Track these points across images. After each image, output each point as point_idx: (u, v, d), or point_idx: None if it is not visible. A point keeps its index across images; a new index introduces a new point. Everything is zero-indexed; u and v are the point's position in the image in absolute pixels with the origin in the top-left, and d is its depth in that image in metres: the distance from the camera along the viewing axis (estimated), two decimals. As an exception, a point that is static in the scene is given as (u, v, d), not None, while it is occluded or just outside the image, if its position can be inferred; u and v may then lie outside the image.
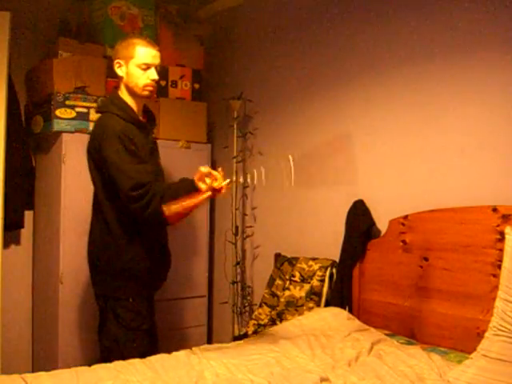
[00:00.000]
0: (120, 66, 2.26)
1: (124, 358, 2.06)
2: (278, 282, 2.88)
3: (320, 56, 2.97)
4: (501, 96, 2.15)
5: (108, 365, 1.95)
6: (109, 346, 2.27)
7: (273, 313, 2.79)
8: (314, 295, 2.66)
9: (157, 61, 2.27)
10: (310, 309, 2.61)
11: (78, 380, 1.78)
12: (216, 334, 3.61)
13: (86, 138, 2.88)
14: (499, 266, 1.94)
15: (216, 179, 2.13)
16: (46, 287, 3.09)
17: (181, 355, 2.06)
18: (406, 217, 2.41)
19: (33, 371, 2.86)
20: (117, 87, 2.31)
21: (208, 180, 2.14)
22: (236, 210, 3.36)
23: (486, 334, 1.82)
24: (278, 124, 3.23)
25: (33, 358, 3.24)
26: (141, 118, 2.32)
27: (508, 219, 2.01)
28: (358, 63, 2.75)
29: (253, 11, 3.43)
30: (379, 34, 2.64)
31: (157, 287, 2.43)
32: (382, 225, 2.57)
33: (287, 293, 2.78)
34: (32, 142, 3.18)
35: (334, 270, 2.68)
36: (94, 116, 2.94)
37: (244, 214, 3.42)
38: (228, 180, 2.14)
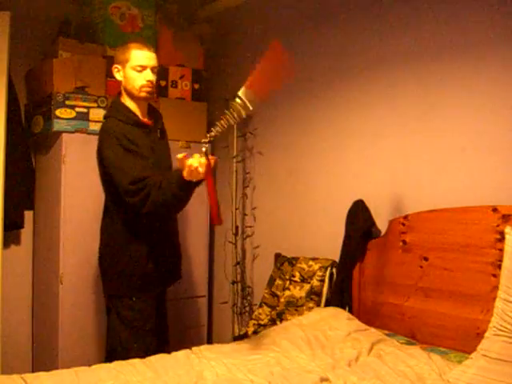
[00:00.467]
0: (118, 71, 2.32)
1: (128, 357, 2.07)
2: (278, 282, 2.88)
3: (320, 55, 2.97)
4: (501, 96, 2.15)
5: (108, 365, 1.95)
6: (113, 345, 2.30)
7: (273, 313, 2.79)
8: (313, 295, 2.66)
9: (152, 62, 2.31)
10: (310, 309, 2.61)
11: (78, 380, 1.78)
12: (216, 334, 3.61)
13: (86, 137, 2.92)
14: (499, 266, 1.94)
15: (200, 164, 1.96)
16: (46, 287, 3.09)
17: (181, 355, 2.07)
18: (406, 217, 2.41)
19: (33, 371, 2.87)
20: (120, 93, 2.37)
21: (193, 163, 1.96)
22: (236, 209, 3.36)
23: (486, 334, 1.82)
24: (278, 124, 3.23)
25: (33, 358, 3.24)
26: (145, 119, 2.37)
27: (508, 219, 2.01)
28: (358, 63, 2.75)
29: (253, 11, 3.43)
30: (380, 34, 2.64)
31: (165, 285, 2.47)
32: (382, 225, 2.57)
33: (287, 293, 2.78)
34: (32, 142, 3.18)
35: (334, 270, 2.68)
36: (94, 116, 2.95)
37: (244, 214, 3.42)
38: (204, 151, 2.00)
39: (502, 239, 1.98)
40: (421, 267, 2.33)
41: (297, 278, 2.78)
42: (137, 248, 2.28)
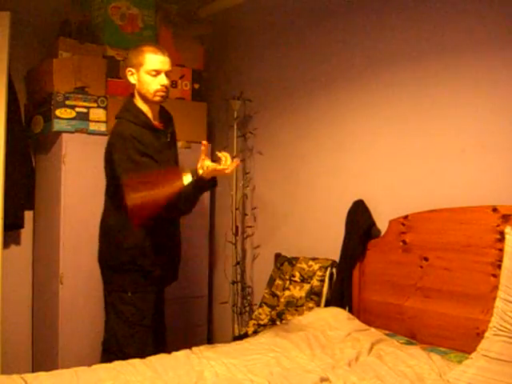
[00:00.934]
0: (132, 74, 2.33)
1: (122, 352, 2.09)
2: (278, 282, 2.88)
3: (320, 56, 2.97)
4: (501, 96, 2.15)
5: (108, 365, 1.96)
6: (109, 339, 2.32)
7: (273, 313, 2.79)
8: (314, 295, 2.66)
9: (166, 66, 2.33)
10: (310, 309, 2.61)
11: (77, 380, 1.78)
12: (216, 334, 3.61)
13: (86, 137, 2.92)
14: (499, 266, 1.94)
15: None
16: (45, 287, 3.09)
17: (181, 355, 2.07)
18: (406, 217, 2.41)
19: (33, 371, 2.87)
20: (132, 94, 2.39)
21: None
22: (236, 209, 3.36)
23: (486, 334, 1.82)
24: (277, 124, 3.24)
25: (33, 358, 3.24)
26: (156, 121, 2.39)
27: (508, 219, 2.01)
28: (358, 63, 2.75)
29: (253, 11, 3.43)
30: (380, 35, 2.64)
31: (163, 284, 2.47)
32: (381, 225, 2.57)
33: (287, 293, 2.78)
34: (32, 142, 3.18)
35: (334, 270, 2.68)
36: (94, 116, 2.95)
37: (244, 214, 3.42)
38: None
39: (502, 239, 1.98)
40: (421, 267, 2.33)
41: (297, 278, 2.78)
42: (135, 241, 2.29)
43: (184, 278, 3.26)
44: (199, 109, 3.41)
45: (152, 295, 2.37)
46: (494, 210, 2.06)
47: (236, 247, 3.35)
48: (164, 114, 2.49)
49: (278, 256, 3.04)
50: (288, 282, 2.81)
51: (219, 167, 2.15)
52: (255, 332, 2.72)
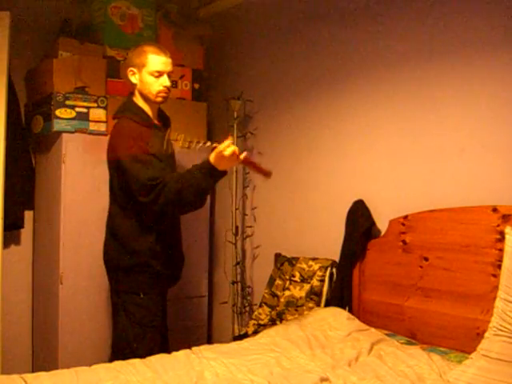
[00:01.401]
0: (133, 74, 2.34)
1: (133, 353, 2.09)
2: (278, 282, 2.88)
3: (320, 56, 2.97)
4: (501, 96, 2.15)
5: (108, 365, 1.95)
6: (119, 341, 2.31)
7: (273, 313, 2.79)
8: (313, 295, 2.66)
9: (168, 67, 2.34)
10: (310, 309, 2.61)
11: (77, 380, 1.78)
12: (216, 334, 3.61)
13: (86, 137, 2.92)
14: (499, 266, 1.94)
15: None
16: (46, 287, 3.09)
17: (181, 355, 2.07)
18: (406, 217, 2.41)
19: (33, 371, 2.87)
20: (132, 93, 2.39)
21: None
22: (236, 209, 3.36)
23: (486, 334, 1.82)
24: (278, 124, 3.23)
25: (33, 358, 3.24)
26: (156, 121, 2.40)
27: (508, 219, 2.01)
28: (358, 63, 2.75)
29: (253, 11, 3.43)
30: (379, 34, 2.64)
31: (169, 285, 2.48)
32: (382, 225, 2.57)
33: (287, 293, 2.78)
34: (32, 142, 3.18)
35: (334, 270, 2.68)
36: (94, 116, 2.95)
37: (244, 214, 3.42)
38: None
39: (502, 239, 1.98)
40: (421, 267, 2.33)
41: (297, 278, 2.78)
42: (147, 244, 2.29)
43: (184, 277, 3.26)
44: (199, 109, 3.41)
45: (160, 296, 2.38)
46: (494, 210, 2.06)
47: (236, 247, 3.35)
48: (162, 115, 2.50)
49: (277, 256, 3.04)
50: (288, 282, 2.81)
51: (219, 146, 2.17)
52: (255, 332, 2.72)
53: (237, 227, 3.36)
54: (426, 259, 2.31)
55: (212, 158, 2.18)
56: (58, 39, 2.97)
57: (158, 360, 1.99)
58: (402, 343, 2.18)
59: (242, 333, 3.00)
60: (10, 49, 2.72)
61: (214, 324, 3.64)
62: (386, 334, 2.29)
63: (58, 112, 2.86)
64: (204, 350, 2.14)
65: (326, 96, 2.93)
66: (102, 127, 2.98)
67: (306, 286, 2.71)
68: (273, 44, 3.30)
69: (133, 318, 2.28)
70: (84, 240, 2.89)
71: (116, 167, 2.28)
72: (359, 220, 2.58)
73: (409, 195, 2.48)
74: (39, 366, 3.08)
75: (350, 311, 2.54)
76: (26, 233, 3.24)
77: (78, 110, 2.91)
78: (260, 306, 2.91)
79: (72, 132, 2.90)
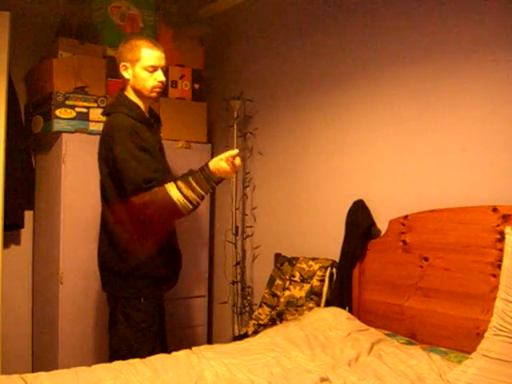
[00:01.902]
0: (126, 69, 2.27)
1: (133, 357, 2.06)
2: (278, 282, 2.88)
3: (320, 56, 2.97)
4: (501, 96, 2.15)
5: (108, 365, 1.95)
6: (118, 346, 2.27)
7: (273, 313, 2.79)
8: (314, 295, 2.66)
9: (162, 62, 2.29)
10: (310, 309, 2.61)
11: (77, 380, 1.78)
12: (216, 333, 3.61)
13: (86, 137, 2.92)
14: (499, 266, 1.94)
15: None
16: (45, 287, 3.09)
17: (181, 355, 2.07)
18: (406, 217, 2.41)
19: (33, 371, 2.87)
20: (123, 88, 2.34)
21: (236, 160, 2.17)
22: (236, 209, 3.36)
23: (486, 334, 1.82)
24: (278, 124, 3.24)
25: (33, 358, 3.24)
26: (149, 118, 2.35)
27: (508, 219, 2.00)
28: (358, 63, 2.75)
29: (253, 11, 3.43)
30: (380, 35, 2.64)
31: (168, 288, 2.43)
32: (381, 225, 2.57)
33: (287, 293, 2.77)
34: (32, 142, 3.18)
35: (334, 270, 2.68)
36: (94, 116, 2.94)
37: (244, 214, 3.42)
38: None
39: (502, 239, 1.98)
40: (421, 267, 2.33)
41: (297, 278, 2.77)
42: (146, 249, 2.23)
43: (184, 277, 3.26)
44: (199, 109, 3.41)
45: (159, 300, 2.36)
46: (494, 210, 2.06)
47: (236, 247, 3.35)
48: (152, 113, 2.44)
49: (277, 256, 3.04)
50: (288, 282, 2.81)
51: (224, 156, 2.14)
52: (255, 332, 2.72)
53: (237, 227, 3.36)
54: (426, 259, 2.31)
55: (212, 164, 2.16)
56: (58, 39, 2.97)
57: (157, 360, 1.99)
58: (402, 343, 2.18)
59: (242, 333, 3.00)
60: (9, 49, 2.72)
61: (214, 324, 3.64)
62: (386, 334, 2.29)
63: (58, 112, 2.86)
64: (204, 349, 2.14)
65: (325, 96, 2.93)
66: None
67: (306, 286, 2.71)
68: (273, 44, 3.30)
69: (133, 322, 2.24)
70: (84, 240, 2.89)
71: (110, 165, 2.21)
72: (359, 220, 2.58)
73: (409, 195, 2.48)
74: (39, 366, 3.08)
75: (350, 311, 2.54)
76: (26, 233, 3.24)
77: (78, 110, 2.91)
78: (260, 306, 2.91)
79: (72, 132, 2.90)
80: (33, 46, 3.21)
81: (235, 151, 2.17)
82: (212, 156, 3.52)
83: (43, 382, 1.75)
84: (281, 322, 2.68)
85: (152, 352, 2.15)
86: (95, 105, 2.95)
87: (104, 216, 2.32)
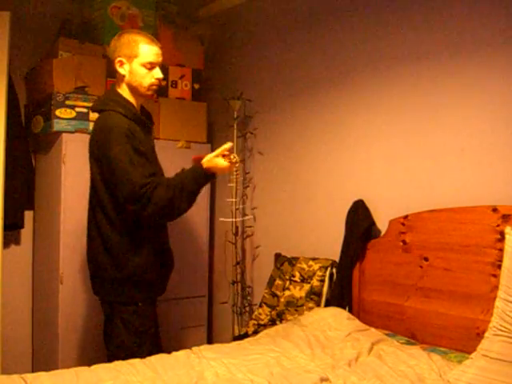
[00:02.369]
0: (122, 65, 2.19)
1: None
2: (278, 281, 2.88)
3: (320, 56, 2.97)
4: (501, 96, 2.15)
5: (108, 365, 1.95)
6: (116, 350, 2.23)
7: (273, 313, 2.79)
8: (314, 295, 2.66)
9: (160, 58, 2.23)
10: (310, 309, 2.61)
11: (77, 380, 1.78)
12: (216, 334, 3.61)
13: (86, 137, 2.88)
14: (499, 266, 1.94)
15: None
16: (46, 287, 3.09)
17: (181, 355, 2.07)
18: (406, 217, 2.41)
19: (33, 371, 2.87)
20: (115, 84, 2.26)
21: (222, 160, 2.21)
22: (236, 209, 3.36)
23: (486, 334, 1.82)
24: (278, 124, 3.24)
25: (33, 358, 3.24)
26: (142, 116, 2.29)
27: (508, 219, 2.01)
28: (358, 63, 2.75)
29: (253, 11, 3.43)
30: (380, 35, 2.64)
31: (163, 290, 2.41)
32: (382, 225, 2.57)
33: (287, 293, 2.78)
34: (32, 142, 3.18)
35: (334, 270, 2.68)
36: (94, 116, 2.93)
37: (244, 214, 3.42)
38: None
39: (502, 239, 1.98)
40: (421, 267, 2.33)
41: (297, 278, 2.78)
42: (142, 253, 2.20)
43: (184, 277, 3.27)
44: (199, 109, 3.41)
45: (154, 304, 2.35)
46: (494, 210, 2.06)
47: (236, 247, 3.35)
48: (143, 111, 2.37)
49: (277, 256, 3.04)
50: (288, 282, 2.81)
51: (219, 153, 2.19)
52: (255, 332, 2.72)
53: (237, 227, 3.37)
54: (426, 259, 2.31)
55: (207, 163, 2.16)
56: (58, 39, 2.97)
57: (157, 360, 1.99)
58: (401, 343, 2.18)
59: (242, 333, 3.00)
60: (10, 49, 2.72)
61: (214, 324, 3.64)
62: (386, 334, 2.29)
63: (58, 112, 2.85)
64: (204, 349, 2.14)
65: (326, 96, 2.93)
66: (102, 127, 2.97)
67: (306, 286, 2.71)
68: (273, 44, 3.30)
69: (131, 327, 2.20)
70: (84, 240, 2.88)
71: (103, 166, 2.13)
72: (359, 220, 2.58)
73: (409, 195, 2.48)
74: (39, 366, 3.08)
75: (350, 311, 2.54)
76: (26, 233, 3.24)
77: (78, 110, 2.91)
78: (260, 306, 2.91)
79: (72, 132, 2.90)
80: (33, 46, 3.21)
81: (228, 145, 2.16)
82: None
83: (43, 382, 1.75)
84: (281, 322, 2.68)
85: (149, 355, 2.14)
86: (95, 105, 2.95)
87: (98, 220, 2.22)
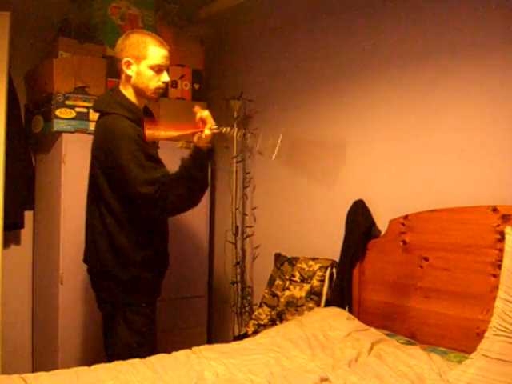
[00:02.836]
0: (129, 66, 2.14)
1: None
2: (278, 282, 2.88)
3: (320, 56, 2.97)
4: (501, 96, 2.15)
5: (108, 365, 1.95)
6: (118, 351, 2.22)
7: (273, 313, 2.79)
8: (314, 295, 2.66)
9: (168, 62, 2.20)
10: (310, 309, 2.61)
11: (77, 380, 1.78)
12: (216, 334, 3.61)
13: (86, 137, 2.91)
14: (499, 266, 1.94)
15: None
16: (46, 287, 3.09)
17: (181, 355, 2.07)
18: (406, 217, 2.41)
19: (33, 371, 2.87)
20: (119, 84, 2.22)
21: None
22: (236, 209, 3.36)
23: (486, 334, 1.82)
24: (277, 124, 3.23)
25: (33, 358, 3.24)
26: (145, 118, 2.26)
27: (508, 219, 2.01)
28: (358, 63, 2.75)
29: (253, 11, 3.43)
30: (379, 36, 2.64)
31: (160, 290, 2.39)
32: (382, 225, 2.57)
33: (287, 293, 2.78)
34: (32, 142, 3.18)
35: (334, 270, 2.68)
36: (94, 116, 2.92)
37: (244, 214, 3.42)
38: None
39: (502, 239, 1.98)
40: (421, 267, 2.33)
41: (297, 278, 2.78)
42: (145, 253, 2.19)
43: (184, 277, 3.27)
44: (199, 109, 3.40)
45: (155, 305, 2.35)
46: (494, 210, 2.06)
47: (236, 247, 3.35)
48: (146, 110, 2.34)
49: (277, 256, 3.04)
50: (288, 282, 2.81)
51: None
52: (255, 332, 2.72)
53: (237, 227, 3.37)
54: (426, 259, 2.31)
55: (196, 142, 2.11)
56: (58, 39, 2.97)
57: (157, 360, 1.99)
58: (401, 343, 2.18)
59: (242, 333, 3.00)
60: (9, 49, 2.72)
61: (214, 324, 3.63)
62: (386, 334, 2.29)
63: (58, 112, 2.85)
64: (204, 349, 2.14)
65: (325, 96, 2.93)
66: (102, 127, 2.97)
67: (306, 286, 2.71)
68: (273, 44, 3.30)
69: (134, 327, 2.19)
70: (84, 240, 2.89)
71: (110, 170, 2.11)
72: (359, 220, 2.58)
73: (409, 195, 2.48)
74: (39, 366, 3.08)
75: (350, 311, 2.54)
76: (26, 233, 3.24)
77: (78, 110, 2.91)
78: (260, 305, 2.91)
79: (72, 132, 2.90)
80: (33, 46, 3.21)
81: (195, 108, 2.13)
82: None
83: (43, 382, 1.75)
84: (281, 322, 2.68)
85: (150, 355, 2.14)
86: (95, 105, 2.95)
87: (104, 221, 2.18)
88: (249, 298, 3.36)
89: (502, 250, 1.95)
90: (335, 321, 2.36)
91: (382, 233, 2.56)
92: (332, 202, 2.86)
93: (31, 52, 3.20)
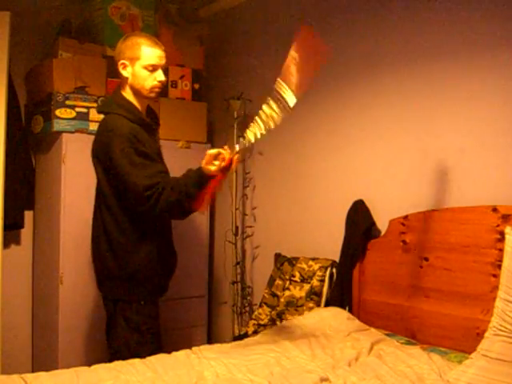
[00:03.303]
0: (125, 67, 2.20)
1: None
2: (278, 282, 2.88)
3: (320, 56, 2.97)
4: (501, 96, 2.15)
5: (108, 365, 1.95)
6: (118, 349, 2.24)
7: (273, 313, 2.79)
8: (314, 295, 2.66)
9: (163, 61, 2.24)
10: (310, 309, 2.61)
11: (77, 380, 1.78)
12: (216, 334, 3.61)
13: (86, 137, 2.91)
14: (499, 266, 1.94)
15: (224, 159, 2.02)
16: (46, 287, 3.09)
17: (181, 355, 2.07)
18: (406, 217, 2.41)
19: (33, 371, 2.87)
20: (120, 87, 2.27)
21: (217, 162, 2.01)
22: (236, 209, 3.36)
23: (486, 334, 1.82)
24: (277, 124, 3.23)
25: (33, 358, 3.24)
26: (147, 118, 2.29)
27: (508, 219, 2.01)
28: (358, 63, 2.75)
29: (253, 11, 3.43)
30: (379, 36, 2.64)
31: (165, 289, 2.40)
32: (382, 225, 2.57)
33: (287, 293, 2.78)
34: (32, 142, 3.18)
35: (334, 270, 2.68)
36: (94, 116, 2.94)
37: (244, 214, 3.42)
38: (235, 151, 2.05)
39: (502, 239, 1.98)
40: (421, 267, 2.33)
41: (297, 278, 2.78)
42: (146, 250, 2.21)
43: (184, 277, 3.27)
44: (199, 109, 3.41)
45: (157, 304, 2.35)
46: (494, 210, 2.06)
47: (236, 247, 3.35)
48: (150, 111, 2.38)
49: (277, 256, 3.04)
50: (288, 282, 2.81)
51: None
52: (255, 332, 2.72)
53: (237, 227, 3.36)
54: (426, 259, 2.31)
55: (204, 169, 2.04)
56: (58, 39, 2.97)
57: (157, 360, 1.99)
58: (401, 343, 2.18)
59: (242, 333, 3.00)
60: (9, 49, 2.72)
61: (214, 324, 3.63)
62: (386, 334, 2.29)
63: (58, 112, 2.86)
64: (204, 349, 2.14)
65: (325, 96, 2.93)
66: (102, 127, 2.97)
67: (306, 286, 2.71)
68: (273, 44, 3.29)
69: (133, 325, 2.21)
70: (84, 240, 2.87)
71: (106, 168, 2.15)
72: (359, 220, 2.58)
73: (409, 195, 2.48)
74: (39, 366, 3.08)
75: (350, 311, 2.54)
76: (26, 233, 3.24)
77: (78, 110, 2.91)
78: (260, 305, 2.91)
79: (72, 132, 2.90)
80: (33, 46, 3.21)
81: (214, 151, 2.02)
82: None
83: (43, 382, 1.75)
84: (281, 322, 2.68)
85: (152, 354, 2.14)
86: (95, 105, 2.94)
87: (103, 218, 2.23)
88: (249, 297, 3.36)
89: (502, 250, 1.95)
90: (335, 321, 2.36)
91: (382, 233, 2.56)
92: (332, 202, 2.86)
93: (31, 52, 3.20)
